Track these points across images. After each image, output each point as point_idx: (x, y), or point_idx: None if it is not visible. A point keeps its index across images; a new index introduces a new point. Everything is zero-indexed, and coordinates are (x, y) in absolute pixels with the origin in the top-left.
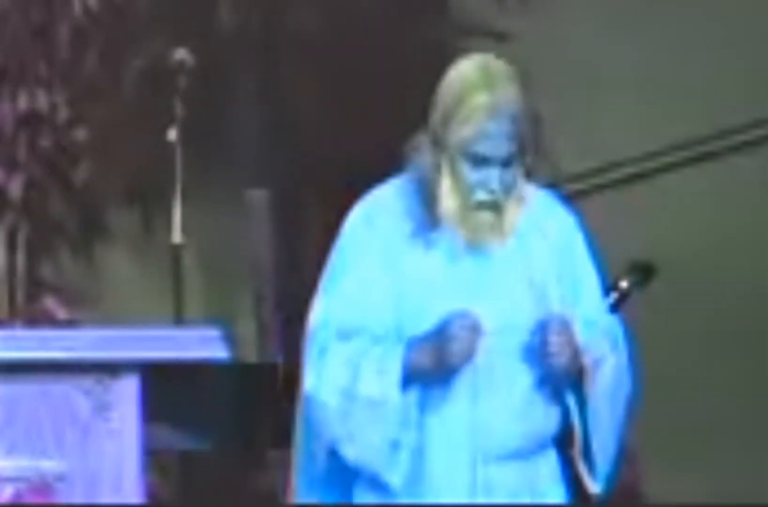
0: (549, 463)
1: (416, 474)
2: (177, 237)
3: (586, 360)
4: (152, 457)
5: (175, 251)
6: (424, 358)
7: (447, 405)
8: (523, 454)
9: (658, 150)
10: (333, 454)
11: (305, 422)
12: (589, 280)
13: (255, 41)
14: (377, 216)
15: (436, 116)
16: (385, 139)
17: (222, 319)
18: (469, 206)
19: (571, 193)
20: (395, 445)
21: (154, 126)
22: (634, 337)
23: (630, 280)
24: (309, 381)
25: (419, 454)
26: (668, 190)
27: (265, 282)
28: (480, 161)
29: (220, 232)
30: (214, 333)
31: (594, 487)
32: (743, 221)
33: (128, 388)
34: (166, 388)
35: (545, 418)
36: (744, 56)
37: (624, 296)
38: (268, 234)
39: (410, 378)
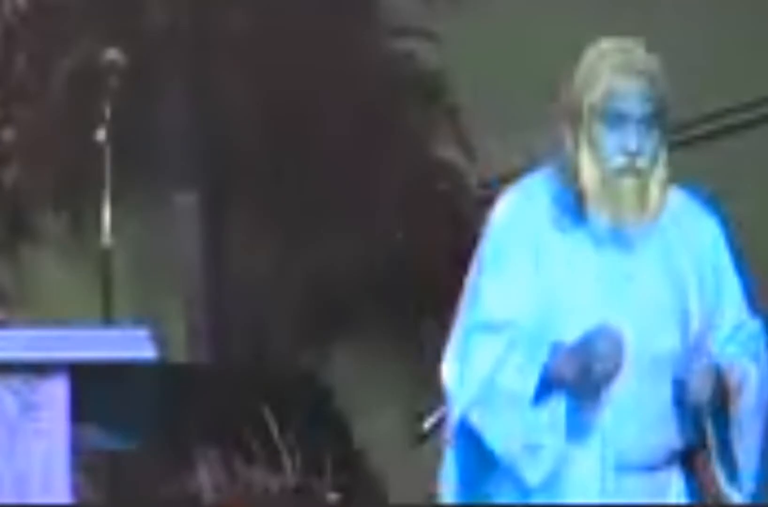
0: (677, 477)
1: (555, 476)
2: (106, 238)
3: (730, 384)
4: (80, 457)
5: (104, 252)
6: (566, 370)
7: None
8: (653, 466)
9: None
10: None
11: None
12: (732, 283)
13: (184, 41)
14: (524, 206)
15: (572, 88)
16: (314, 138)
17: (150, 320)
18: (609, 174)
19: (503, 192)
20: (533, 447)
21: (83, 127)
22: None
23: None
24: (451, 379)
25: (562, 457)
26: None
27: (193, 283)
28: (616, 121)
29: (149, 233)
30: (142, 333)
31: (737, 497)
32: None
33: (56, 388)
34: (93, 388)
35: (678, 433)
36: (671, 53)
37: None
38: (196, 235)
39: (551, 383)
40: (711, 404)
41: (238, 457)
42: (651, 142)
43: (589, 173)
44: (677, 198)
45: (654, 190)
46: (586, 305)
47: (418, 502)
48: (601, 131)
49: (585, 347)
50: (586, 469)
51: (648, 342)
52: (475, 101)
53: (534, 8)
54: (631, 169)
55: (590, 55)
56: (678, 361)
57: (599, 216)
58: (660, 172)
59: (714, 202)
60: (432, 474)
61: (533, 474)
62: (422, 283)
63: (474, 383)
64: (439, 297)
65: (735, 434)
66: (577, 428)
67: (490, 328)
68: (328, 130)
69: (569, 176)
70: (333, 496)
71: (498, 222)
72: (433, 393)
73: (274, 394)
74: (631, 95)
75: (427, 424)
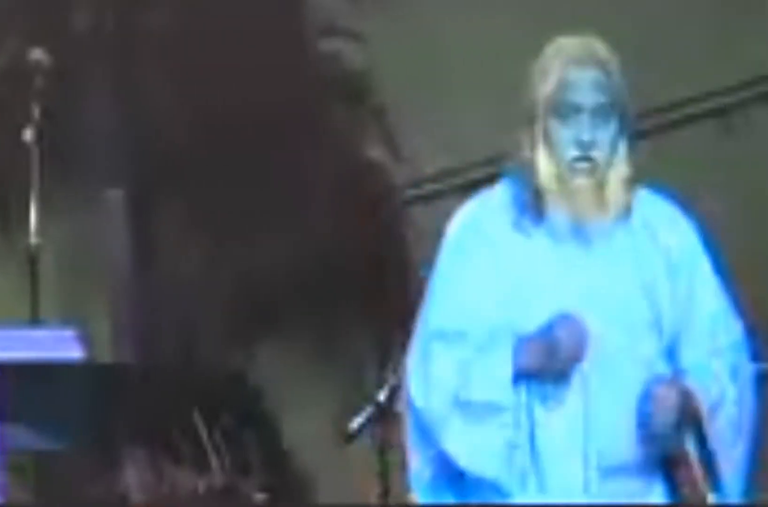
0: (659, 482)
1: (530, 473)
2: (33, 237)
3: (700, 409)
4: (7, 457)
5: (31, 252)
6: (532, 361)
7: (559, 406)
8: (635, 468)
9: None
10: (444, 459)
11: (415, 429)
12: (710, 294)
13: (110, 41)
14: (483, 216)
15: (529, 85)
16: (242, 138)
17: (77, 320)
18: (565, 169)
19: (430, 192)
20: (513, 447)
21: (9, 126)
22: None
23: None
24: (414, 389)
25: (533, 454)
26: None
27: (121, 282)
28: (570, 113)
29: (77, 233)
30: (69, 333)
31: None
32: None
33: None
34: (21, 387)
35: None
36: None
37: None
38: (124, 235)
39: (519, 379)
40: (684, 425)
41: (165, 457)
42: (607, 133)
43: (545, 170)
44: (650, 201)
45: (613, 184)
46: (550, 305)
47: (346, 501)
48: (555, 125)
49: (546, 333)
50: (569, 469)
51: (617, 341)
52: (402, 101)
53: (459, 7)
54: (585, 160)
55: (547, 50)
56: (652, 365)
57: (558, 213)
58: (620, 167)
59: (687, 207)
60: (360, 473)
61: (509, 478)
62: (350, 282)
63: (438, 400)
64: (367, 296)
65: (716, 448)
66: (554, 422)
67: (445, 336)
68: (256, 130)
69: (527, 175)
70: (260, 496)
71: (455, 231)
72: (359, 393)
73: (203, 395)
74: (584, 85)
75: (355, 423)
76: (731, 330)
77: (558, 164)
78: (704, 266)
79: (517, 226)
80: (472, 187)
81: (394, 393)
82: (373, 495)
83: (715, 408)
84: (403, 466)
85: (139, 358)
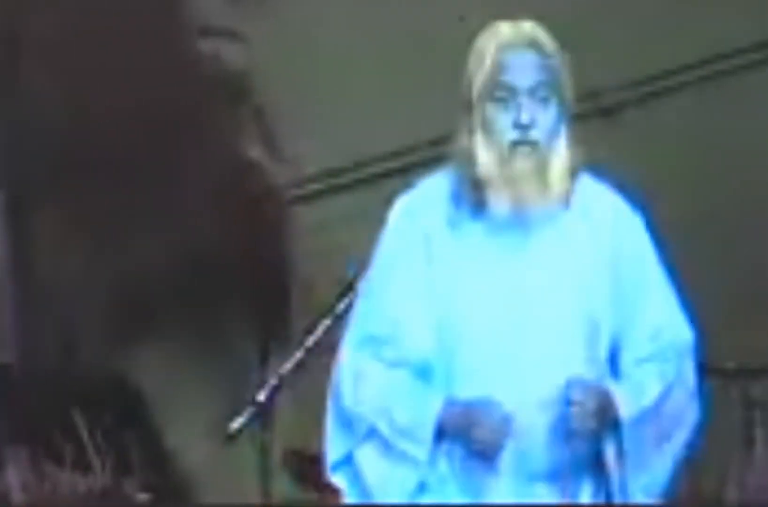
0: (588, 485)
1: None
2: None
3: (622, 419)
4: None
5: None
6: (453, 427)
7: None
8: (561, 474)
9: (407, 147)
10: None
11: (337, 421)
12: (655, 285)
13: None
14: (416, 208)
15: (465, 73)
16: (122, 139)
17: None
18: (505, 153)
19: (311, 192)
20: (421, 487)
21: None
22: None
23: None
24: (344, 386)
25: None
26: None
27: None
28: (507, 96)
29: None
30: None
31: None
32: None
33: None
34: None
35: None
36: None
37: None
38: (2, 235)
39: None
40: (603, 429)
41: (47, 457)
42: (546, 115)
43: (484, 156)
44: (595, 190)
45: (555, 168)
46: (480, 301)
47: (228, 501)
48: (492, 110)
49: (468, 419)
50: (493, 476)
51: (542, 337)
52: (284, 101)
53: (339, 7)
54: (525, 143)
55: (482, 35)
56: (579, 363)
57: (499, 202)
58: (562, 151)
59: (637, 199)
60: (241, 473)
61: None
62: (231, 283)
63: (366, 409)
64: (248, 297)
65: (630, 451)
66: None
67: (377, 341)
68: (136, 131)
69: (465, 164)
70: (142, 497)
71: (393, 222)
72: (240, 393)
73: (84, 395)
74: (519, 67)
75: (236, 423)
76: (678, 333)
77: (498, 149)
78: (651, 263)
79: (452, 220)
80: (354, 187)
81: (275, 393)
82: (254, 494)
83: (641, 413)
84: (285, 465)
85: (20, 358)
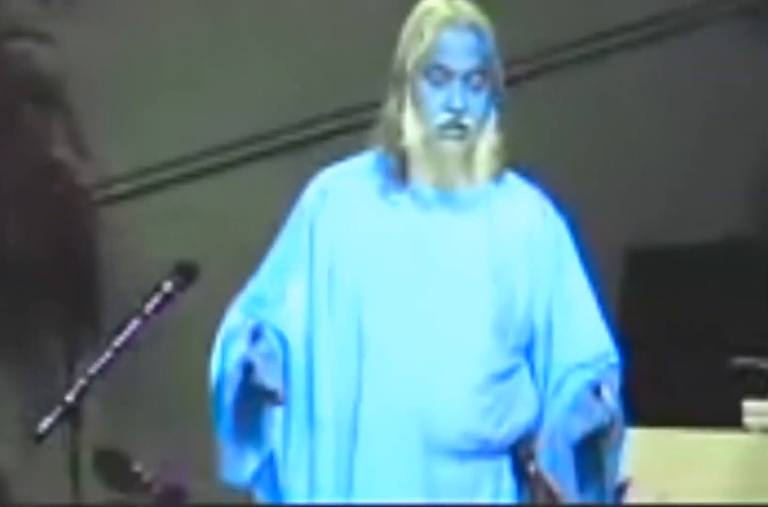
0: (496, 474)
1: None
2: None
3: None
4: None
5: None
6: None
7: (387, 389)
8: (466, 453)
9: (205, 150)
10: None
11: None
12: (583, 293)
13: None
14: (337, 182)
15: (398, 50)
16: None
17: None
18: (434, 133)
19: (119, 193)
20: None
21: None
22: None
23: (174, 282)
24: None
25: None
26: (214, 192)
27: None
28: (441, 78)
29: None
30: None
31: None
32: (274, 225)
33: None
34: None
35: (492, 424)
36: (295, 55)
37: (168, 297)
38: None
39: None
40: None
41: None
42: (478, 100)
43: (412, 132)
44: (520, 188)
45: (482, 152)
46: (391, 274)
47: (38, 501)
48: (425, 89)
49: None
50: (398, 450)
51: (452, 324)
52: (93, 102)
53: (149, 8)
54: (455, 126)
55: (417, 12)
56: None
57: (423, 179)
58: (490, 135)
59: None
60: (51, 472)
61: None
62: (38, 283)
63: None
64: (55, 297)
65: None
66: (382, 406)
67: (254, 302)
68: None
69: (391, 138)
70: None
71: (301, 202)
72: (49, 393)
73: None
74: (457, 50)
75: (45, 423)
76: (600, 342)
77: (426, 128)
78: (573, 265)
79: (381, 191)
80: (163, 187)
81: (84, 393)
82: (65, 494)
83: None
84: (95, 464)
85: None
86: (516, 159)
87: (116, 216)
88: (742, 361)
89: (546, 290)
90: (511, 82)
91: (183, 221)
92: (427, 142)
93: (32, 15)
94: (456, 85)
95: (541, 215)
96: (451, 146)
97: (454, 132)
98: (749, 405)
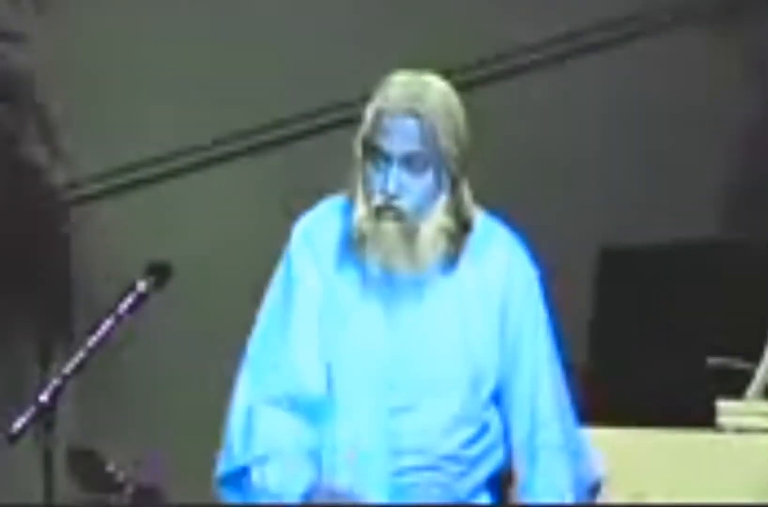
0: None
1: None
2: None
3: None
4: None
5: None
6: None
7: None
8: (434, 467)
9: (179, 150)
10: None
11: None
12: (547, 348)
13: None
14: (316, 229)
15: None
16: None
17: None
18: (374, 214)
19: (92, 193)
20: None
21: None
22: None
23: (148, 281)
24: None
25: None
26: (186, 192)
27: None
28: (380, 160)
29: None
30: None
31: None
32: (247, 225)
33: None
34: None
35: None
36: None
37: (142, 297)
38: None
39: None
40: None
41: None
42: (419, 183)
43: (361, 210)
44: (487, 232)
45: (424, 237)
46: (368, 345)
47: (11, 501)
48: (369, 169)
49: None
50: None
51: (428, 389)
52: (66, 102)
53: (121, 7)
54: (389, 211)
55: (377, 89)
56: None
57: (372, 257)
58: (436, 217)
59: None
60: (24, 473)
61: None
62: (9, 283)
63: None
64: (27, 297)
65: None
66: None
67: (271, 402)
68: None
69: (352, 210)
70: None
71: (289, 253)
72: (23, 394)
73: None
74: (396, 133)
75: (18, 423)
76: (558, 397)
77: (369, 208)
78: (537, 312)
79: (344, 260)
80: (135, 187)
81: (57, 393)
82: (38, 494)
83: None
84: (68, 465)
85: None
86: (485, 200)
87: (89, 216)
88: (717, 361)
89: (511, 346)
90: (482, 83)
91: (156, 221)
92: (370, 221)
93: (3, 15)
94: (391, 169)
95: (510, 272)
96: (388, 227)
97: (389, 213)
98: (724, 405)
